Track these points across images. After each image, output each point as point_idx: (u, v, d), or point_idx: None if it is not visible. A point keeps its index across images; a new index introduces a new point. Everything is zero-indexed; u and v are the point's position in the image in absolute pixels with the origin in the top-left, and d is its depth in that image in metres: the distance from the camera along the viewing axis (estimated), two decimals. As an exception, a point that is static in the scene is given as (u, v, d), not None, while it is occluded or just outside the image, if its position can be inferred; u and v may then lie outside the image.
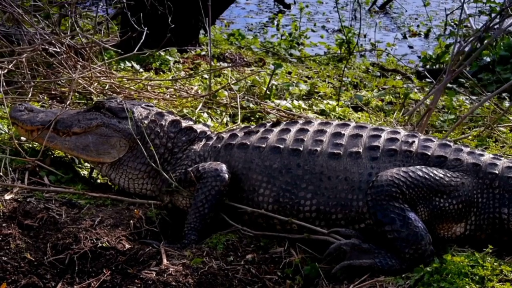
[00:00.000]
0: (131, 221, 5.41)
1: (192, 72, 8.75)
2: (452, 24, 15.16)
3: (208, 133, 5.87)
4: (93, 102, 6.12)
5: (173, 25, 8.62)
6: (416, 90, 9.03)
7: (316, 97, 8.54)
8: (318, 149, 5.31)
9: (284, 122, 5.66)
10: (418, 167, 5.11)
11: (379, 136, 5.34)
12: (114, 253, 5.16)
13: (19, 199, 5.54)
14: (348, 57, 10.80)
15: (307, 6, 16.17)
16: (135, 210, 5.49)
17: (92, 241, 5.20)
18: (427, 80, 10.20)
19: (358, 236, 5.07)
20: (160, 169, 5.65)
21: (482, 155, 5.31)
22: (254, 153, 5.42)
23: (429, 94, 7.89)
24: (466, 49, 8.29)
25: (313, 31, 14.25)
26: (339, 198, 5.18)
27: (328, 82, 9.25)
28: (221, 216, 5.41)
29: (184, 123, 5.89)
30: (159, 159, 5.72)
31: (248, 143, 5.47)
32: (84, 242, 5.21)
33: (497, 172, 5.18)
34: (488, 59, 10.49)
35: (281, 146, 5.38)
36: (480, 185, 5.16)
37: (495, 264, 4.46)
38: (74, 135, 5.85)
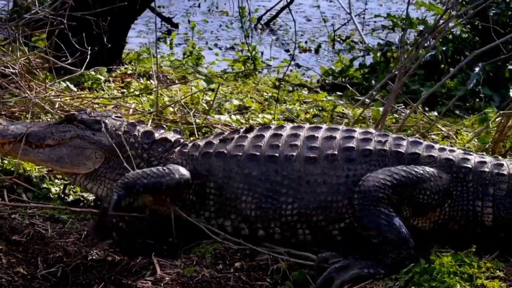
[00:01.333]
0: (114, 233, 5.59)
1: (124, 90, 8.91)
2: (338, 39, 15.81)
3: (182, 140, 6.00)
4: (64, 115, 6.22)
5: (98, 46, 8.76)
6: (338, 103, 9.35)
7: (249, 111, 8.81)
8: (294, 153, 5.48)
9: (257, 128, 5.83)
10: (399, 167, 5.33)
11: (353, 137, 5.53)
12: (106, 265, 5.30)
13: (5, 216, 5.64)
14: (254, 73, 11.24)
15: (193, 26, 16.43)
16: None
17: (81, 254, 5.35)
18: (338, 93, 10.64)
19: (335, 256, 5.26)
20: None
21: (453, 150, 5.59)
22: (232, 162, 5.55)
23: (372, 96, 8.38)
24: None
25: (210, 48, 14.60)
26: (318, 201, 5.36)
27: (250, 97, 9.53)
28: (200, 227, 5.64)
29: (157, 134, 6.01)
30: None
31: (226, 152, 5.61)
32: (74, 255, 5.36)
33: (470, 166, 5.46)
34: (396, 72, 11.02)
35: (258, 154, 5.53)
36: (454, 179, 5.42)
37: (481, 262, 4.87)
38: (47, 147, 5.92)
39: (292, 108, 8.89)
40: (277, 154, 5.50)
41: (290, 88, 10.97)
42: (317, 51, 15.05)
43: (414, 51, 8.41)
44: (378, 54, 11.64)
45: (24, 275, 5.24)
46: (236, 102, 8.90)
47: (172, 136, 6.02)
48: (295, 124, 5.87)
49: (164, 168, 5.60)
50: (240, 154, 5.57)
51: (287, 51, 14.80)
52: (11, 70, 6.92)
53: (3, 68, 6.90)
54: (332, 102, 9.03)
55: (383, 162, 5.40)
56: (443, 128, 8.38)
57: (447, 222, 5.43)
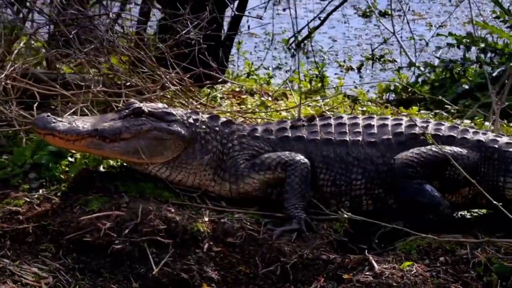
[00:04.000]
0: (321, 232, 6.02)
1: (243, 106, 9.26)
2: (373, 58, 16.25)
3: (243, 125, 6.63)
4: (129, 109, 6.34)
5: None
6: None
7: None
8: (359, 139, 6.35)
9: (317, 118, 6.58)
10: (428, 147, 6.20)
11: (401, 124, 6.43)
12: (321, 263, 5.73)
13: (215, 220, 6.03)
14: (323, 90, 11.65)
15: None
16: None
17: (297, 253, 5.76)
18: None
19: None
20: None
21: (485, 133, 6.47)
22: (311, 145, 6.34)
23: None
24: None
25: (265, 68, 14.89)
26: (380, 177, 6.24)
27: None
28: None
29: (222, 118, 6.58)
30: (215, 152, 6.36)
31: (304, 136, 6.38)
32: (289, 254, 5.77)
33: (496, 146, 6.30)
34: (466, 86, 11.52)
35: (332, 138, 6.35)
36: (482, 158, 6.30)
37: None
38: (122, 140, 6.14)
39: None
40: (347, 139, 6.34)
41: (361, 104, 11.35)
42: (359, 69, 15.56)
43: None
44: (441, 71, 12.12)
45: (246, 273, 5.64)
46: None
47: (233, 119, 6.71)
48: (351, 115, 6.73)
49: (294, 167, 6.18)
50: (318, 138, 6.36)
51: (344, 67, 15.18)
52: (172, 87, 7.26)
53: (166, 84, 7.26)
54: (439, 115, 9.50)
55: (426, 144, 6.25)
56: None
57: (475, 197, 6.31)
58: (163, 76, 7.14)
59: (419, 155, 6.17)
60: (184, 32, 7.54)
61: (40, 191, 6.25)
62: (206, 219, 5.97)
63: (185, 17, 7.98)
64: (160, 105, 6.53)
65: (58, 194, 6.20)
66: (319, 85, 12.14)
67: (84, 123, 6.16)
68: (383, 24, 16.02)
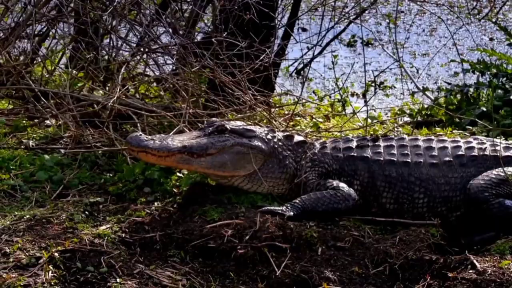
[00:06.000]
0: (421, 236, 6.57)
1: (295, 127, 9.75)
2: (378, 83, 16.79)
3: (313, 143, 7.25)
4: (213, 127, 6.95)
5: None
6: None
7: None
8: (422, 160, 6.88)
9: (381, 138, 7.15)
10: (495, 171, 6.78)
11: (460, 146, 6.97)
12: (425, 263, 6.25)
13: (323, 227, 6.57)
14: (345, 114, 12.20)
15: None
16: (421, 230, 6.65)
17: (402, 255, 6.29)
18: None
19: None
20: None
21: None
22: (375, 165, 6.93)
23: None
24: None
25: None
26: (442, 196, 6.81)
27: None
28: None
29: (296, 137, 7.22)
30: (291, 167, 7.01)
31: (369, 156, 6.97)
32: (396, 256, 6.31)
33: None
34: (484, 108, 12.10)
35: (395, 159, 6.92)
36: None
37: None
38: (208, 156, 6.74)
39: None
40: (409, 160, 6.89)
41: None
42: (364, 95, 16.12)
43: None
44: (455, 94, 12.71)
45: (358, 273, 6.17)
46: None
47: (305, 139, 7.29)
48: (411, 137, 7.25)
49: (337, 193, 6.76)
50: (381, 159, 6.91)
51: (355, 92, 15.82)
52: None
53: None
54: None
55: (485, 164, 6.90)
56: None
57: None
58: (249, 98, 7.67)
59: (490, 179, 6.75)
60: (260, 59, 8.10)
61: (156, 203, 6.77)
62: (315, 226, 6.50)
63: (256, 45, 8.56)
64: (239, 122, 7.18)
65: (175, 206, 6.75)
66: (339, 109, 12.68)
67: (173, 141, 6.73)
68: (387, 51, 16.70)
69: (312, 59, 18.05)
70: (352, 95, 16.22)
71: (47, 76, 9.21)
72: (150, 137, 6.73)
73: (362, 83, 16.81)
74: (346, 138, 7.37)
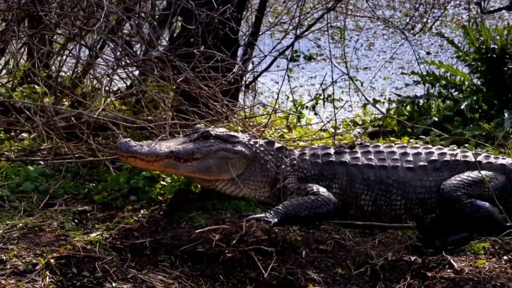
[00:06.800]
0: (398, 239, 6.86)
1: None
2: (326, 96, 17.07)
3: (293, 150, 7.62)
4: (198, 133, 7.21)
5: None
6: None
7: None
8: (398, 164, 7.24)
9: (357, 145, 7.52)
10: (467, 173, 7.20)
11: (433, 152, 7.36)
12: (404, 263, 6.54)
13: (306, 231, 6.83)
14: (300, 125, 12.48)
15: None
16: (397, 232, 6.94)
17: (382, 256, 6.56)
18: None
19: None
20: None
21: (504, 159, 7.46)
22: (354, 169, 7.27)
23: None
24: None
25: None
26: (418, 198, 7.16)
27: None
28: None
29: (276, 143, 7.54)
30: (272, 171, 7.31)
31: (347, 161, 7.31)
32: (375, 257, 6.58)
33: None
34: (435, 118, 12.44)
35: (373, 163, 7.29)
36: (507, 179, 7.30)
37: None
38: (194, 160, 7.00)
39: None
40: (386, 164, 7.25)
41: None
42: (313, 107, 16.42)
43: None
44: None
45: (342, 274, 6.42)
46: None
47: (281, 144, 7.62)
48: (386, 144, 7.68)
49: (318, 198, 7.07)
50: (360, 163, 7.24)
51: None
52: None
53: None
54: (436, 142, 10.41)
55: (457, 169, 7.26)
56: None
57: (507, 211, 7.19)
58: (225, 109, 7.94)
59: (462, 180, 7.14)
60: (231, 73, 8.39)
61: (143, 211, 6.97)
62: (298, 230, 6.76)
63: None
64: (222, 129, 7.45)
65: (161, 213, 6.95)
66: (294, 120, 12.93)
67: (160, 146, 6.96)
68: (337, 66, 16.96)
69: (260, 74, 18.45)
70: (302, 107, 16.50)
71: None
72: (138, 143, 6.94)
73: (309, 96, 17.20)
74: (323, 146, 7.69)
